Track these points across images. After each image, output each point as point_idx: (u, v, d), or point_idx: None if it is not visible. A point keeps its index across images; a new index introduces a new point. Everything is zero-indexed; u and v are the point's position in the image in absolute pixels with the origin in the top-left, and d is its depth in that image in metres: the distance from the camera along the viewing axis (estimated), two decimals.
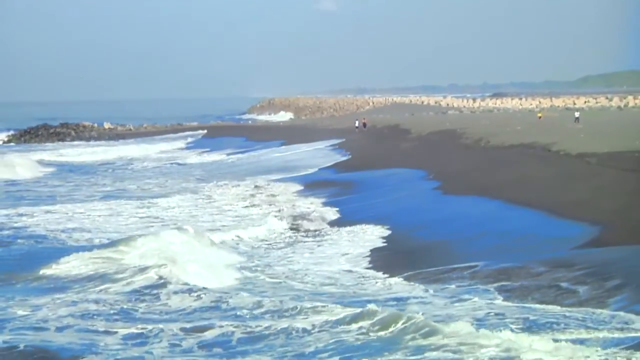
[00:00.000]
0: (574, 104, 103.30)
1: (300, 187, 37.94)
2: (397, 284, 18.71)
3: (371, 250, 23.16)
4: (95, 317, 15.50)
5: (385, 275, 19.77)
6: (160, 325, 14.65)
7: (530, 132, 44.75)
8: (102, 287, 18.03)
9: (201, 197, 36.05)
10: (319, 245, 24.48)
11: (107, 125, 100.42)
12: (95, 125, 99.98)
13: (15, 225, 28.47)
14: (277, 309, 15.44)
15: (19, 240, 25.24)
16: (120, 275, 18.86)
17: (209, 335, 14.17)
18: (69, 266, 20.11)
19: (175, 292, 17.26)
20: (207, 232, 25.00)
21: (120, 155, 65.42)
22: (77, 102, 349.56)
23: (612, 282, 16.22)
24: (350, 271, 20.73)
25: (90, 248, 22.19)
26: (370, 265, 21.40)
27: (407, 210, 29.03)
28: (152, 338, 14.06)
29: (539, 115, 65.68)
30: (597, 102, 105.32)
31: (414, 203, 30.50)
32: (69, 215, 30.89)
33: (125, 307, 16.25)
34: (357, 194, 34.16)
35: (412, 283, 18.61)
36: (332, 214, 29.80)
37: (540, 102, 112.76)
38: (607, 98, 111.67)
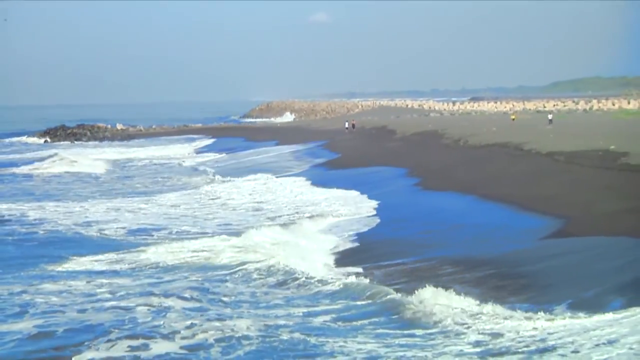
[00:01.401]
0: (544, 107, 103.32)
1: (303, 182, 37.92)
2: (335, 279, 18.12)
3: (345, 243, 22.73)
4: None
5: (340, 270, 19.27)
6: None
7: (504, 132, 44.62)
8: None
9: (222, 193, 35.77)
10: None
11: (119, 127, 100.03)
12: (109, 126, 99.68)
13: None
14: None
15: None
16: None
17: None
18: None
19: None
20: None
21: (149, 155, 64.65)
22: (91, 105, 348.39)
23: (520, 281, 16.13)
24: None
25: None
26: (336, 259, 20.76)
27: (387, 205, 28.74)
28: None
29: (513, 117, 65.34)
30: (565, 106, 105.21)
31: (394, 198, 30.17)
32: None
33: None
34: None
35: (350, 278, 18.09)
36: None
37: (513, 105, 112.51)
38: (574, 102, 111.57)
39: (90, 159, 57.20)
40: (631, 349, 11.07)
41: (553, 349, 11.71)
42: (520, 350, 11.87)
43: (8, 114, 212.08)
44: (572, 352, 11.39)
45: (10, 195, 37.48)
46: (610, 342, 11.46)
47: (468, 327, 13.32)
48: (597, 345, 11.48)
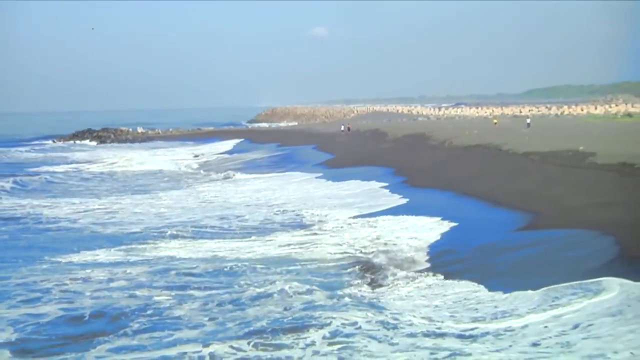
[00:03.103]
0: (520, 112, 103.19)
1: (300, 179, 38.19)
2: None
3: None
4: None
5: None
6: None
7: (485, 135, 44.39)
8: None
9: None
10: None
11: (140, 130, 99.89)
12: (130, 129, 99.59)
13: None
14: None
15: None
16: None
17: None
18: None
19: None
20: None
21: (183, 157, 63.33)
22: (113, 111, 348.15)
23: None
24: None
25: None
26: None
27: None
28: None
29: (495, 121, 64.63)
30: (538, 111, 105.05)
31: None
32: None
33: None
34: None
35: None
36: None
37: (493, 111, 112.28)
38: (547, 107, 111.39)
39: (155, 159, 57.39)
40: (588, 331, 11.15)
41: (523, 327, 11.74)
42: (489, 331, 11.85)
43: (21, 119, 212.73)
44: (540, 332, 11.43)
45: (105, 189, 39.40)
46: (575, 326, 11.47)
47: (438, 307, 13.36)
48: (562, 327, 11.50)
